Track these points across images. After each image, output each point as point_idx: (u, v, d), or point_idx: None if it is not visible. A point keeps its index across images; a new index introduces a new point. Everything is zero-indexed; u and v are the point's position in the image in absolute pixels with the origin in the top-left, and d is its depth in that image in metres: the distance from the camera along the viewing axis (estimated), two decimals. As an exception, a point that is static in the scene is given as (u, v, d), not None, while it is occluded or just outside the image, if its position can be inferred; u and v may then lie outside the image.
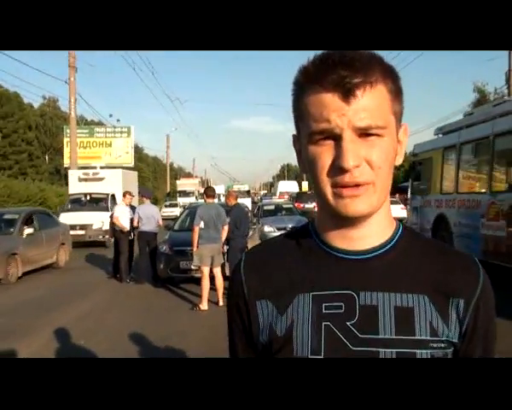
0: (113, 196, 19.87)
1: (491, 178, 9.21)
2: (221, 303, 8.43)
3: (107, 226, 16.93)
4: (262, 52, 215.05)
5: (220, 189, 56.64)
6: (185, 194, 43.59)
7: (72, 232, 16.24)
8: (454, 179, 10.54)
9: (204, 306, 8.31)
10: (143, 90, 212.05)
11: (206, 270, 8.39)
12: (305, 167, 0.91)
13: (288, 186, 45.55)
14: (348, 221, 0.89)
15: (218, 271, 8.51)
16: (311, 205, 26.06)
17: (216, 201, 9.64)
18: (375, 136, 0.84)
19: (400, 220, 1.00)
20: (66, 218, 17.30)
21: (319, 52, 0.87)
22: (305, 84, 0.86)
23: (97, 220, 18.10)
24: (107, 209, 18.43)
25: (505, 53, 16.99)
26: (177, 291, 9.90)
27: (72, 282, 11.40)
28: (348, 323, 0.87)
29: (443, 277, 0.90)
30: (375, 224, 0.91)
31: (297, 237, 0.99)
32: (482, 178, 9.81)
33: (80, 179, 23.27)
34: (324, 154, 0.84)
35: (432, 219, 11.07)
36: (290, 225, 16.30)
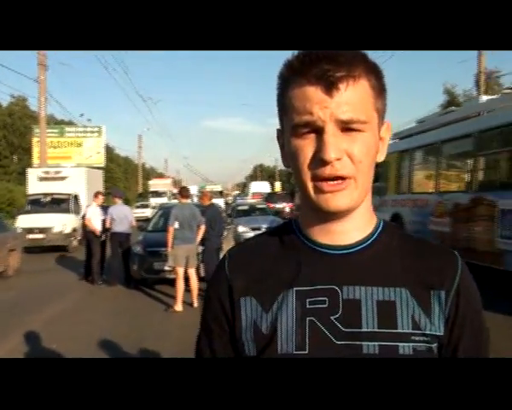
0: (76, 196, 18.64)
1: (439, 179, 10.27)
2: (195, 305, 8.38)
3: (69, 230, 16.66)
4: (234, 53, 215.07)
5: (193, 189, 56.37)
6: (158, 194, 43.19)
7: (30, 236, 15.58)
8: (407, 181, 11.62)
9: (178, 307, 8.25)
10: (115, 90, 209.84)
11: (180, 271, 8.33)
12: (288, 161, 0.92)
13: (260, 187, 46.47)
14: (330, 216, 0.89)
15: (192, 272, 8.46)
16: (281, 205, 26.06)
17: (189, 201, 9.59)
18: (356, 131, 0.84)
19: None
20: (25, 220, 16.23)
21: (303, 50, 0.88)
22: (290, 78, 0.88)
23: (58, 223, 16.65)
24: (68, 211, 17.50)
25: (476, 55, 17.43)
26: (151, 293, 9.80)
27: (42, 285, 11.16)
28: (332, 317, 0.88)
29: (423, 270, 0.91)
30: (356, 219, 0.92)
31: (280, 234, 1.00)
32: (431, 179, 10.70)
33: (40, 178, 21.00)
34: (307, 147, 0.85)
35: (388, 217, 11.70)
36: (264, 226, 16.35)
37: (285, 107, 0.89)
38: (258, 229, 16.23)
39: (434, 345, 0.88)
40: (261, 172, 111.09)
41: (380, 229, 0.96)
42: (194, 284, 8.44)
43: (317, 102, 0.83)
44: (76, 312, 8.52)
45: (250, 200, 31.00)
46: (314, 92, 0.83)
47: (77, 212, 17.71)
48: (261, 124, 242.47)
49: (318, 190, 0.85)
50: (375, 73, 0.88)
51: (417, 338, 0.87)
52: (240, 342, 0.94)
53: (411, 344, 0.86)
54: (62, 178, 20.94)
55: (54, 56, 32.67)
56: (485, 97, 10.50)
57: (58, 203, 18.05)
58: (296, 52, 0.88)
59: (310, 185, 0.86)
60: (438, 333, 0.89)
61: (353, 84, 0.84)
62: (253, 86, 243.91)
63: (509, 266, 7.51)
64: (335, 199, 0.85)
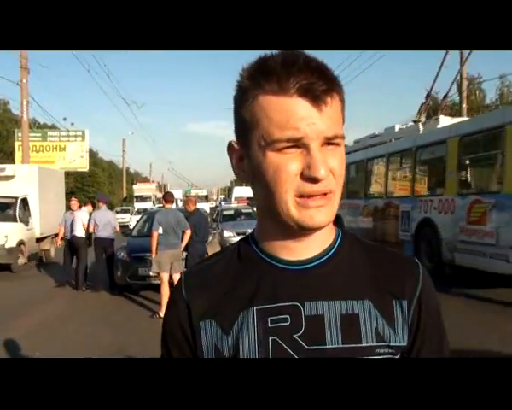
0: (24, 200, 14.75)
1: (365, 187, 13.66)
2: None
3: (13, 243, 13.26)
4: (219, 56, 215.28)
5: (178, 194, 56.26)
6: (142, 199, 43.05)
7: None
8: (345, 189, 13.28)
9: (164, 313, 8.15)
10: (99, 93, 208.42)
11: (165, 276, 8.26)
12: (250, 176, 0.88)
13: (243, 192, 47.85)
14: (300, 232, 0.86)
15: (177, 277, 8.38)
16: None
17: (174, 206, 9.55)
18: (334, 145, 0.83)
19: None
20: None
21: (268, 55, 0.84)
22: (263, 88, 0.82)
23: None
24: (14, 219, 13.89)
25: (457, 61, 18.10)
26: (136, 299, 9.71)
27: (24, 291, 10.99)
28: (295, 335, 0.86)
29: (385, 279, 0.90)
30: (320, 233, 0.89)
31: (238, 251, 0.96)
32: (360, 188, 13.96)
33: None
34: (290, 162, 0.81)
35: None
36: (250, 230, 16.24)
37: (253, 119, 0.83)
38: (244, 234, 16.10)
39: (398, 356, 0.87)
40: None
41: (339, 240, 0.93)
42: None
43: (303, 118, 0.79)
44: (59, 319, 8.39)
45: (235, 204, 31.36)
46: (298, 106, 0.79)
47: (25, 220, 14.49)
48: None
49: (301, 207, 0.82)
50: (341, 86, 0.86)
51: (382, 351, 0.86)
52: None
53: (376, 358, 0.85)
54: (8, 178, 15.78)
55: (35, 59, 32.35)
56: (397, 126, 13.20)
57: (2, 209, 14.23)
58: (263, 60, 0.83)
59: (291, 202, 0.82)
60: (402, 344, 0.87)
61: (332, 99, 0.82)
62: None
63: (407, 251, 9.79)
64: (320, 215, 0.83)
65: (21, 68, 21.90)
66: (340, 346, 0.85)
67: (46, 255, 16.16)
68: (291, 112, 0.79)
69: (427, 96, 12.89)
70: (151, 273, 9.22)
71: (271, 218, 0.87)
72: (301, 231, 0.86)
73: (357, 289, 0.88)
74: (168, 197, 8.83)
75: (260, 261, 0.92)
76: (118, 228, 11.13)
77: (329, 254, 0.91)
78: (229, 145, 0.92)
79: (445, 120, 11.07)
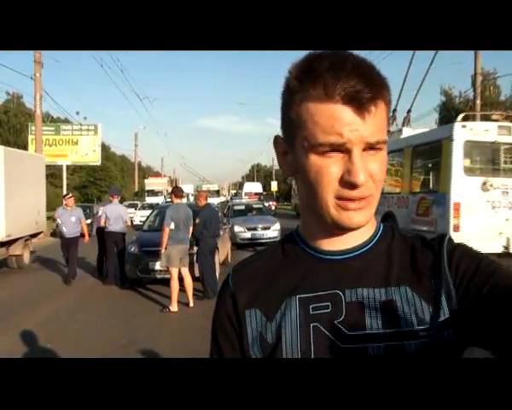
0: None
1: None
2: (191, 304, 8.37)
3: None
4: (230, 51, 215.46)
5: (189, 188, 56.48)
6: (153, 193, 43.15)
7: None
8: None
9: (174, 307, 8.21)
10: (111, 88, 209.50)
11: (174, 271, 8.31)
12: (294, 173, 0.92)
13: (253, 187, 51.04)
14: (343, 230, 0.89)
15: (186, 271, 8.43)
16: (268, 204, 29.50)
17: (184, 200, 9.59)
18: (376, 149, 0.84)
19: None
20: None
21: (319, 55, 0.85)
22: (310, 91, 0.83)
23: None
24: None
25: (472, 57, 18.09)
26: (146, 293, 9.77)
27: (37, 284, 11.10)
28: (336, 321, 0.88)
29: (420, 263, 0.90)
30: (362, 228, 0.91)
31: (283, 246, 1.00)
32: None
33: None
34: (331, 166, 0.84)
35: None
36: (261, 226, 16.35)
37: (301, 119, 0.85)
38: (255, 229, 16.26)
39: (446, 332, 0.84)
40: (258, 172, 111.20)
41: (380, 232, 0.96)
42: (189, 283, 8.42)
43: (347, 124, 0.81)
44: (71, 312, 8.47)
45: (246, 199, 31.79)
46: (343, 112, 0.81)
47: None
48: (258, 123, 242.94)
49: (341, 208, 0.85)
50: (388, 89, 0.87)
51: (424, 333, 0.85)
52: (248, 355, 0.94)
53: (418, 341, 0.85)
54: None
55: (49, 54, 32.52)
56: None
57: None
58: (312, 61, 0.84)
59: (331, 203, 0.85)
60: (447, 317, 0.85)
61: (378, 105, 0.82)
62: (250, 85, 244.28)
63: None
64: (357, 216, 0.86)
65: (35, 62, 22.08)
66: (381, 331, 0.86)
67: (17, 262, 13.09)
68: (336, 118, 0.81)
69: (394, 110, 13.66)
70: (160, 268, 9.27)
71: (313, 215, 0.91)
72: (341, 229, 0.89)
73: (395, 276, 0.90)
74: (177, 192, 8.86)
75: (303, 254, 0.96)
76: (129, 222, 11.22)
77: (370, 245, 0.94)
78: (276, 139, 0.96)
79: (406, 132, 12.71)
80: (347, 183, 0.83)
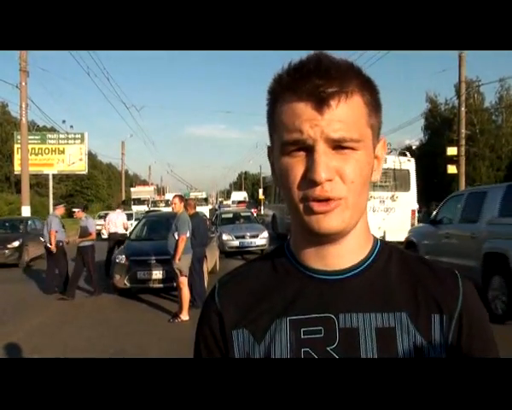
0: None
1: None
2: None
3: None
4: (218, 58, 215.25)
5: (176, 197, 56.02)
6: (140, 202, 42.69)
7: None
8: (278, 197, 21.24)
9: (185, 316, 8.08)
10: (98, 96, 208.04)
11: (186, 279, 8.24)
12: (278, 180, 0.88)
13: (239, 196, 55.61)
14: (323, 239, 0.85)
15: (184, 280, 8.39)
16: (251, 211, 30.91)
17: (170, 209, 9.61)
18: (349, 149, 0.80)
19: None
20: None
21: (294, 60, 0.84)
22: (279, 94, 0.83)
23: None
24: None
25: (456, 65, 18.42)
26: (134, 303, 9.68)
27: (23, 295, 10.96)
28: (328, 348, 0.83)
29: (423, 292, 0.86)
30: (351, 241, 0.87)
31: (272, 260, 0.95)
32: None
33: None
34: (296, 165, 0.81)
35: (270, 214, 23.53)
36: (249, 234, 16.33)
37: (274, 124, 0.85)
38: (243, 237, 16.23)
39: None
40: (245, 180, 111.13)
41: (376, 250, 0.91)
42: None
43: (307, 120, 0.78)
44: (58, 323, 8.35)
45: (233, 207, 32.22)
46: (304, 109, 0.79)
47: None
48: (245, 131, 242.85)
49: (309, 211, 0.81)
50: (369, 89, 0.84)
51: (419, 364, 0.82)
52: None
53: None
54: None
55: (35, 62, 32.21)
56: None
57: None
58: (286, 65, 0.83)
59: (300, 206, 0.82)
60: (441, 353, 0.84)
61: (345, 101, 0.79)
62: (237, 93, 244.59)
63: None
64: (326, 220, 0.80)
65: (21, 71, 21.90)
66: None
67: None
68: (297, 115, 0.80)
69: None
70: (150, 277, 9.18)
71: (295, 224, 0.87)
72: (315, 237, 0.84)
73: (393, 301, 0.85)
74: (190, 202, 9.12)
75: (293, 270, 0.91)
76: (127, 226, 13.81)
77: (365, 264, 0.88)
78: (268, 150, 0.93)
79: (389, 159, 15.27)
80: (309, 181, 0.79)
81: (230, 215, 19.88)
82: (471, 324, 0.86)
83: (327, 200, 0.80)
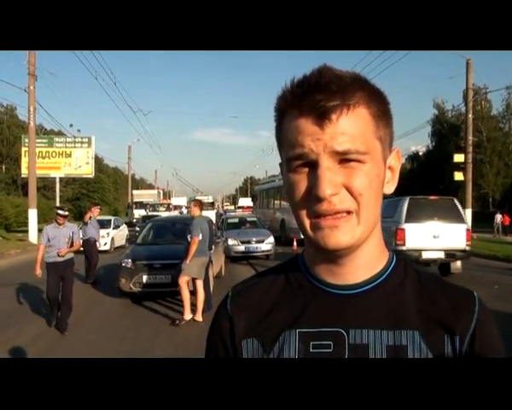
0: None
1: (267, 203, 27.83)
2: (200, 319, 8.12)
3: None
4: (225, 64, 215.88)
5: (182, 201, 55.93)
6: (142, 205, 42.30)
7: None
8: (263, 203, 28.72)
9: (187, 316, 8.14)
10: (105, 100, 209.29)
11: (185, 280, 8.26)
12: (287, 196, 0.87)
13: (245, 202, 56.33)
14: (332, 254, 0.83)
15: (201, 284, 8.42)
16: None
17: (177, 213, 9.63)
18: (355, 161, 0.79)
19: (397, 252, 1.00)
20: None
21: (298, 76, 0.84)
22: (284, 111, 0.84)
23: None
24: None
25: (464, 72, 18.39)
26: (139, 307, 9.68)
27: (27, 299, 10.98)
28: None
29: (436, 311, 0.85)
30: (363, 256, 0.86)
31: (286, 272, 0.94)
32: (268, 202, 27.69)
33: None
34: (301, 181, 0.81)
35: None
36: (255, 239, 16.31)
37: (281, 141, 0.86)
38: (249, 242, 16.21)
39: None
40: (251, 185, 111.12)
41: (392, 266, 0.90)
42: (202, 297, 8.33)
43: (309, 134, 0.78)
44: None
45: (240, 213, 32.65)
46: (306, 124, 0.79)
47: None
48: (252, 136, 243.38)
49: (316, 227, 0.80)
50: (376, 100, 0.82)
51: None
52: None
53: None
54: None
55: (43, 66, 32.42)
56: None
57: None
58: (289, 82, 0.83)
59: (307, 223, 0.81)
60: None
61: (348, 113, 0.78)
62: (244, 98, 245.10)
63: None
64: (334, 236, 0.79)
65: (29, 75, 22.05)
66: None
67: None
68: (299, 130, 0.80)
69: None
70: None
71: (307, 240, 0.86)
72: (328, 253, 0.83)
73: (406, 319, 0.84)
74: (200, 205, 9.06)
75: (306, 283, 0.90)
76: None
77: (379, 280, 0.87)
78: (279, 167, 0.92)
79: None
80: (314, 197, 0.78)
81: (236, 220, 19.85)
82: (482, 347, 0.85)
83: (335, 214, 0.79)
